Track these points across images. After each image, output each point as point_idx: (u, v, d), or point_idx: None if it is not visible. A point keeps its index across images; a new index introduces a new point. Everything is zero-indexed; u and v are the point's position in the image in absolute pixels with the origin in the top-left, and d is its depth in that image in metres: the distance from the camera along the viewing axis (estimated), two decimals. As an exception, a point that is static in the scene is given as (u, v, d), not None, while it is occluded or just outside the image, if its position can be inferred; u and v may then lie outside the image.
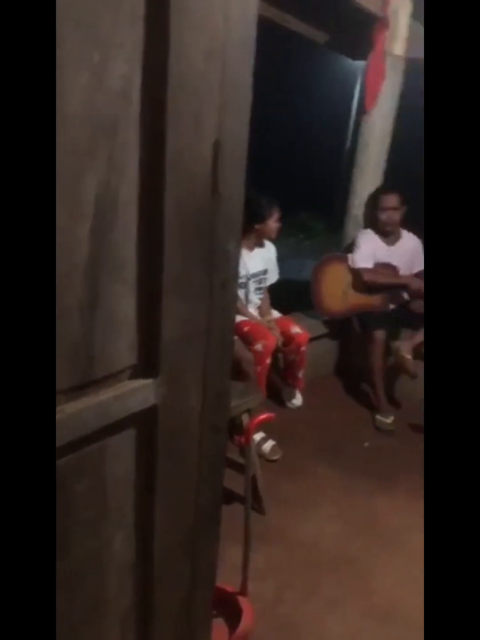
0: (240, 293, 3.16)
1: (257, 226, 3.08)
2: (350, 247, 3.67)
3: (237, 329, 2.92)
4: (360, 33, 3.39)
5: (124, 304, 0.81)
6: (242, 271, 3.09)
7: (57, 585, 0.73)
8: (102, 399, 0.81)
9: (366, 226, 3.74)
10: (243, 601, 1.72)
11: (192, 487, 1.04)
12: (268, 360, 2.95)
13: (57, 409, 0.74)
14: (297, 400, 3.41)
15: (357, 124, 3.93)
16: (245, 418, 2.18)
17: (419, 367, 3.29)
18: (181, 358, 0.91)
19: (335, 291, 3.64)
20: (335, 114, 10.99)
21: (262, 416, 1.80)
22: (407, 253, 3.59)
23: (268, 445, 2.85)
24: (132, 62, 0.71)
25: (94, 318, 0.77)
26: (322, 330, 3.80)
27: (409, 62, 3.55)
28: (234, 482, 1.97)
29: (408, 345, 3.32)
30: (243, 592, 1.75)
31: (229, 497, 2.21)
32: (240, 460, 2.14)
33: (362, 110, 3.73)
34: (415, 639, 1.81)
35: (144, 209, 0.78)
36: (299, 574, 2.11)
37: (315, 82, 11.50)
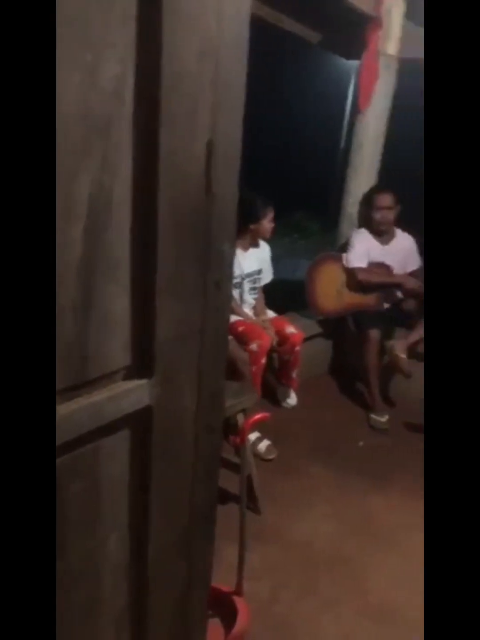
0: (235, 293, 3.16)
1: (251, 226, 3.08)
2: (345, 247, 3.68)
3: (232, 328, 2.92)
4: (353, 33, 3.39)
5: (118, 304, 0.81)
6: (237, 271, 3.09)
7: (51, 587, 0.73)
8: (96, 399, 0.81)
9: (360, 225, 3.75)
10: (238, 601, 1.72)
11: (187, 487, 1.04)
12: (263, 360, 2.95)
13: (51, 409, 0.74)
14: (292, 399, 3.41)
15: (351, 123, 3.94)
16: (240, 418, 2.18)
17: (413, 366, 3.30)
18: (175, 358, 0.91)
19: (330, 291, 3.64)
20: (330, 113, 11.00)
21: (257, 416, 1.80)
22: (401, 252, 3.60)
23: (263, 444, 2.86)
24: (125, 62, 0.70)
25: (88, 318, 0.76)
26: (317, 329, 3.80)
27: (403, 62, 3.55)
28: (229, 481, 1.97)
29: (402, 344, 3.33)
30: (238, 592, 1.75)
31: (224, 496, 2.21)
32: (236, 460, 2.14)
33: (356, 110, 3.74)
34: (411, 637, 1.82)
35: (137, 208, 0.78)
36: (294, 574, 2.11)
37: (309, 82, 11.50)
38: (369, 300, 3.58)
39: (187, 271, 0.87)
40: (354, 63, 4.11)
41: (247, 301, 3.27)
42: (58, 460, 0.77)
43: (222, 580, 1.71)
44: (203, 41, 0.77)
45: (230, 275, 0.98)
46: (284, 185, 8.84)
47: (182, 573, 1.10)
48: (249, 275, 3.20)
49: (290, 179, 10.77)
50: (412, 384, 3.34)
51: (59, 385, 0.75)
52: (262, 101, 7.50)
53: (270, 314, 3.38)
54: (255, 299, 3.31)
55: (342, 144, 10.34)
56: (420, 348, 3.38)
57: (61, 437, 0.75)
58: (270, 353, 3.11)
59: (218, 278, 0.94)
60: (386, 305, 3.62)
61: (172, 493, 1.01)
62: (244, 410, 2.17)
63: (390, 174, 3.92)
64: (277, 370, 3.39)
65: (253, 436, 2.83)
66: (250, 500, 2.26)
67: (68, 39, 0.63)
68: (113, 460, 0.90)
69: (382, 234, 3.59)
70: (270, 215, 3.11)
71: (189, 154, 0.81)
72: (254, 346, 2.90)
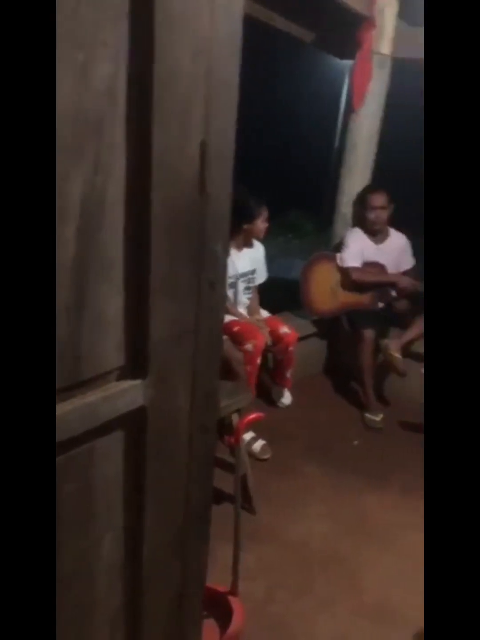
0: (230, 293, 3.16)
1: (245, 226, 3.08)
2: (339, 246, 3.68)
3: (227, 328, 2.92)
4: (347, 32, 3.39)
5: (111, 304, 0.81)
6: (231, 271, 3.09)
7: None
8: (90, 400, 0.80)
9: (354, 225, 3.75)
10: (234, 601, 1.72)
11: (181, 488, 1.04)
12: (258, 360, 2.95)
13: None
14: (287, 399, 3.41)
15: (345, 123, 3.94)
16: (235, 418, 2.18)
17: (407, 365, 3.31)
18: (169, 358, 0.91)
19: (324, 290, 3.64)
20: (324, 113, 11.02)
21: (252, 416, 1.80)
22: (394, 251, 3.62)
23: (258, 444, 2.86)
24: (117, 62, 0.70)
25: (81, 318, 0.76)
26: (311, 329, 3.80)
27: (396, 61, 3.56)
28: (224, 481, 1.97)
29: (397, 343, 3.33)
30: (233, 592, 1.75)
31: (219, 496, 2.21)
32: (231, 459, 2.13)
33: (350, 110, 3.74)
34: (406, 636, 1.83)
35: (131, 209, 0.78)
36: (289, 573, 2.11)
37: (303, 81, 11.51)
38: (363, 299, 3.59)
39: (181, 271, 0.87)
40: (347, 62, 4.12)
41: (242, 301, 3.27)
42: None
43: (217, 580, 1.70)
44: (196, 40, 0.77)
45: (224, 275, 0.98)
46: (278, 185, 8.85)
47: (177, 573, 1.10)
48: (243, 275, 3.20)
49: (285, 179, 10.79)
50: (407, 383, 3.36)
51: (53, 385, 0.75)
52: (256, 101, 7.50)
53: (265, 313, 3.39)
54: (249, 298, 3.31)
55: (336, 143, 10.35)
56: (415, 347, 3.39)
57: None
58: (265, 353, 3.11)
59: (212, 278, 0.93)
60: (380, 305, 3.62)
61: (166, 493, 1.01)
62: (238, 410, 2.17)
63: (383, 174, 3.93)
64: (272, 370, 3.39)
65: (248, 436, 2.83)
66: (245, 500, 2.27)
67: (59, 39, 0.62)
68: (107, 460, 0.89)
69: (376, 234, 3.60)
70: (264, 215, 3.11)
71: (183, 153, 0.81)
72: (249, 346, 2.89)
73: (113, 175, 0.74)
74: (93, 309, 0.77)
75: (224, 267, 0.97)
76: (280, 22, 3.14)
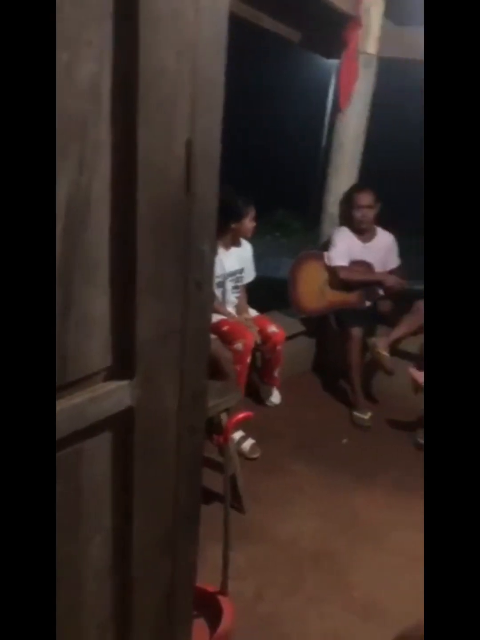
0: (218, 292, 3.16)
1: (233, 225, 3.08)
2: (327, 245, 3.69)
3: (216, 328, 2.92)
4: (333, 32, 3.40)
5: (98, 304, 0.80)
6: (219, 270, 3.09)
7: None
8: (77, 401, 0.80)
9: (342, 224, 3.76)
10: (223, 600, 1.72)
11: (170, 488, 1.04)
12: (248, 359, 2.95)
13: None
14: (275, 398, 3.42)
15: (332, 122, 3.95)
16: (223, 417, 2.18)
17: (395, 364, 3.33)
18: (156, 359, 0.91)
19: (312, 289, 3.65)
20: (310, 112, 11.05)
21: (241, 415, 1.80)
22: (381, 250, 3.63)
23: (247, 443, 2.86)
24: (102, 61, 0.70)
25: (67, 319, 0.76)
26: (299, 328, 3.81)
27: (382, 61, 3.58)
28: (213, 481, 1.97)
29: (384, 341, 3.35)
30: (223, 591, 1.75)
31: (209, 496, 2.21)
32: (220, 459, 2.13)
33: (336, 109, 3.75)
34: (396, 632, 1.83)
35: (116, 208, 0.77)
36: (279, 572, 2.11)
37: (289, 81, 11.53)
38: (350, 298, 3.60)
39: (167, 271, 0.87)
40: (334, 62, 4.13)
41: (230, 300, 3.27)
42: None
43: (207, 580, 1.70)
44: (181, 39, 0.77)
45: (211, 274, 0.98)
46: (265, 184, 8.86)
47: (166, 573, 1.10)
48: (231, 274, 3.20)
49: (272, 178, 10.80)
50: (394, 380, 3.37)
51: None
52: (243, 100, 7.49)
53: (253, 312, 3.39)
54: (238, 297, 3.31)
55: (323, 142, 10.38)
56: (402, 345, 3.41)
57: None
58: (253, 352, 3.11)
59: (199, 277, 0.93)
60: (368, 303, 3.64)
61: (155, 494, 1.01)
62: (227, 410, 2.17)
63: (370, 173, 3.94)
64: (260, 369, 3.40)
65: (237, 435, 2.83)
66: (234, 499, 2.27)
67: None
68: (95, 462, 0.89)
69: (362, 232, 3.61)
70: (251, 214, 3.11)
71: (168, 153, 0.80)
72: (238, 345, 2.89)
73: (98, 174, 0.74)
74: (79, 309, 0.77)
75: (210, 266, 0.97)
76: (267, 22, 3.14)
